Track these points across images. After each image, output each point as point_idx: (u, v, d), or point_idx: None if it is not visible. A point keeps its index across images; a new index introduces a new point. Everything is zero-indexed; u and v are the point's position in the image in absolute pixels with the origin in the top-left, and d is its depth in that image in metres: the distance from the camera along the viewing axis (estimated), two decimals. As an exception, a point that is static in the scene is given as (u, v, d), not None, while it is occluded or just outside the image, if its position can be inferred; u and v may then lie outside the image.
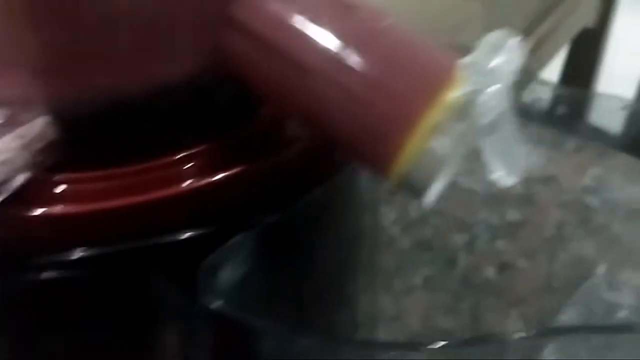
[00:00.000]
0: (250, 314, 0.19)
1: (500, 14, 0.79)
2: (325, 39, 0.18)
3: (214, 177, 0.20)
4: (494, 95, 0.18)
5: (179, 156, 0.20)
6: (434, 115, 0.18)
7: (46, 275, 0.20)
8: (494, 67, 0.18)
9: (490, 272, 0.43)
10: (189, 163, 0.21)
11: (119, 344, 0.21)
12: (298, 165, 0.22)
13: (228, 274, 0.20)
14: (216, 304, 0.19)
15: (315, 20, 0.18)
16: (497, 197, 0.45)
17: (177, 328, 0.20)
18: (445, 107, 0.18)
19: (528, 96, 0.52)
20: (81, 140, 0.20)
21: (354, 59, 0.18)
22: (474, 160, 0.49)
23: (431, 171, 0.18)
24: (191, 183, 0.20)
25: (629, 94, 0.86)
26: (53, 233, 0.19)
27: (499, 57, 0.18)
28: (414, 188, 0.19)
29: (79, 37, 0.18)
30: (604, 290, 0.35)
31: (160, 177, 0.20)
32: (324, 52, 0.18)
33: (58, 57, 0.19)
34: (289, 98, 0.19)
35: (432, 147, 0.18)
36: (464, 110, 0.18)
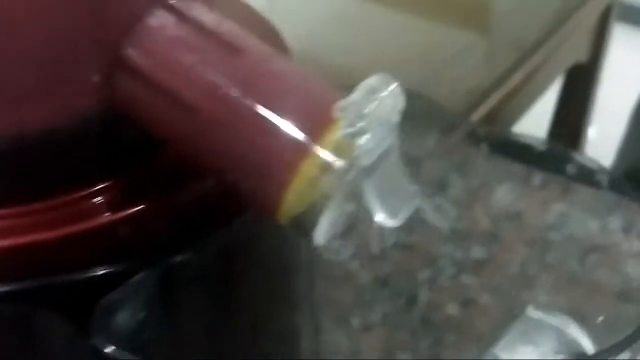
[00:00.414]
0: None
1: (496, 45, 0.79)
2: (213, 80, 0.19)
3: (120, 213, 0.21)
4: (374, 137, 0.18)
5: (78, 193, 0.21)
6: (318, 155, 0.18)
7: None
8: (374, 110, 0.18)
9: (452, 308, 0.42)
10: (95, 199, 0.21)
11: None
12: (209, 201, 0.22)
13: (126, 315, 0.20)
14: (109, 348, 0.19)
15: (203, 62, 0.19)
16: (463, 234, 0.45)
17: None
18: (328, 147, 0.18)
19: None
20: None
21: (240, 101, 0.18)
22: (440, 195, 0.49)
23: (317, 209, 0.19)
24: (97, 219, 0.21)
25: (621, 127, 0.85)
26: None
27: (379, 100, 0.18)
28: (302, 227, 0.19)
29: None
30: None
31: (58, 215, 0.20)
32: (211, 93, 0.19)
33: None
34: (179, 138, 0.19)
35: (317, 185, 0.18)
36: (345, 150, 0.18)
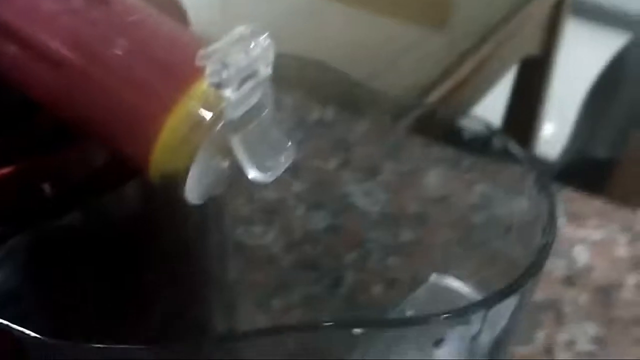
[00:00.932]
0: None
1: (450, 37, 0.80)
2: (76, 29, 0.18)
3: None
4: (241, 89, 0.17)
5: None
6: (183, 108, 0.18)
7: None
8: (240, 59, 0.17)
9: (377, 289, 0.42)
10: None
11: None
12: (91, 162, 0.21)
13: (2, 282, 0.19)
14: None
15: (66, 10, 0.18)
16: (392, 217, 0.45)
17: None
18: (196, 99, 0.18)
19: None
20: None
21: (104, 51, 0.18)
22: (370, 180, 0.48)
23: (186, 164, 0.18)
24: None
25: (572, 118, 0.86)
26: None
27: (245, 50, 0.17)
28: (172, 182, 0.18)
29: None
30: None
31: None
32: (74, 43, 0.18)
33: None
34: (45, 96, 0.19)
35: (184, 139, 0.18)
36: (214, 102, 0.18)
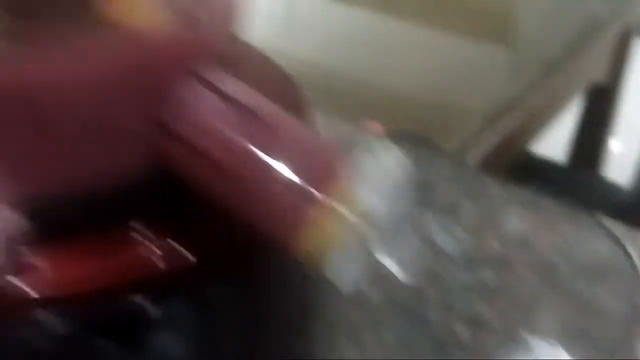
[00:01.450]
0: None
1: (518, 61, 0.81)
2: (236, 141, 0.22)
3: (156, 249, 0.24)
4: (378, 193, 0.21)
5: (125, 234, 0.24)
6: (326, 206, 0.21)
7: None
8: (382, 167, 0.21)
9: (462, 330, 0.45)
10: (136, 240, 0.24)
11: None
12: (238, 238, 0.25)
13: (167, 338, 0.23)
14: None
15: (229, 126, 0.22)
16: (473, 257, 0.48)
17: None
18: (341, 200, 0.21)
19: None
20: (46, 223, 0.23)
21: (258, 158, 0.22)
22: (450, 219, 0.51)
23: (331, 255, 0.22)
24: (134, 253, 0.24)
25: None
26: (17, 301, 0.23)
27: (385, 158, 0.21)
28: (321, 270, 0.22)
29: (38, 144, 0.22)
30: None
31: (109, 252, 0.23)
32: (236, 153, 0.22)
33: (26, 161, 0.23)
34: (210, 192, 0.23)
35: (330, 233, 0.21)
36: (357, 202, 0.21)
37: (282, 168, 0.22)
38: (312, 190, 0.21)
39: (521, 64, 0.82)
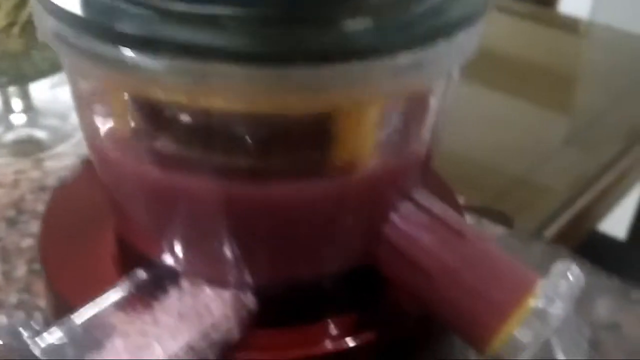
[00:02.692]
0: None
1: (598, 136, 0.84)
2: (444, 256, 0.27)
3: (348, 342, 0.29)
4: (562, 306, 0.26)
5: (330, 322, 0.29)
6: (520, 316, 0.26)
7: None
8: (562, 288, 0.26)
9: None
10: (336, 328, 0.29)
11: None
12: (411, 336, 0.30)
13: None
14: None
15: (438, 242, 0.27)
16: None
17: None
18: (527, 311, 0.26)
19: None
20: (271, 309, 0.29)
21: (462, 273, 0.27)
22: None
23: (514, 355, 0.27)
24: (332, 345, 0.29)
25: None
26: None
27: (566, 281, 0.26)
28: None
29: (281, 247, 0.28)
30: None
31: (314, 337, 0.29)
32: (443, 266, 0.27)
33: (262, 262, 0.28)
34: (417, 294, 0.28)
35: (517, 338, 0.26)
36: (541, 315, 0.26)
37: (481, 284, 0.27)
38: (505, 308, 0.26)
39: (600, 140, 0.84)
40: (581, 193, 0.78)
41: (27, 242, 0.45)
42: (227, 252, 0.27)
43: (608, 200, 0.83)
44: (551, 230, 0.75)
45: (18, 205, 0.48)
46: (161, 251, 0.29)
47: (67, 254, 0.32)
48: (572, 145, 0.83)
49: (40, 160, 0.53)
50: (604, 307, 0.54)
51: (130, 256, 0.30)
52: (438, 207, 0.29)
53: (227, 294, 0.28)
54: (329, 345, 0.29)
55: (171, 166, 0.26)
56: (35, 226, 0.46)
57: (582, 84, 0.95)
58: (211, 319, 0.28)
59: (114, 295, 0.28)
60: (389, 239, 0.28)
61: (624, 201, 0.94)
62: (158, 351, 0.26)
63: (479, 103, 0.85)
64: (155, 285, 0.29)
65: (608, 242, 0.95)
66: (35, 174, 0.52)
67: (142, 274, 0.29)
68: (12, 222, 0.47)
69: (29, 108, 0.56)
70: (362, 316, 0.30)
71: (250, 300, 0.28)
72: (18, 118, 0.57)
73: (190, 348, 0.27)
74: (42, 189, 0.50)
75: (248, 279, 0.28)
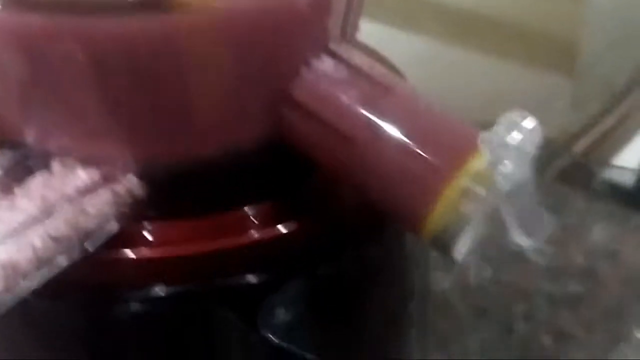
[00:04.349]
0: (303, 349, 0.23)
1: (584, 88, 0.80)
2: (367, 115, 0.22)
3: (276, 229, 0.24)
4: (512, 166, 0.20)
5: (245, 209, 0.24)
6: (461, 180, 0.21)
7: (128, 309, 0.23)
8: (513, 142, 0.20)
9: (547, 340, 0.44)
10: (255, 216, 0.24)
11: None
12: (351, 221, 0.25)
13: (284, 315, 0.23)
14: (275, 337, 0.22)
15: (359, 99, 0.22)
16: (559, 269, 0.47)
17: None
18: (470, 174, 0.21)
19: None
20: (162, 194, 0.23)
21: (394, 133, 0.21)
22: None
23: (458, 230, 0.21)
24: (255, 234, 0.24)
25: None
26: (136, 273, 0.23)
27: (517, 133, 0.20)
28: (443, 245, 0.21)
29: (160, 111, 0.22)
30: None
31: (230, 228, 0.23)
32: (365, 126, 0.22)
33: (144, 127, 0.23)
34: (336, 164, 0.22)
35: (459, 208, 0.21)
36: (486, 177, 0.21)
37: (414, 143, 0.21)
38: (446, 166, 0.21)
39: (587, 92, 0.81)
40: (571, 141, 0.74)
41: None
42: (96, 118, 0.22)
43: (610, 142, 0.78)
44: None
45: None
46: (25, 129, 0.24)
47: None
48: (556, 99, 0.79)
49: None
50: (601, 234, 0.49)
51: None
52: (362, 61, 0.23)
53: (102, 175, 0.23)
54: (229, 239, 0.23)
55: (28, 16, 0.21)
56: None
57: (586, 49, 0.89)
58: (79, 204, 0.22)
59: None
60: (296, 99, 0.22)
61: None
62: (4, 241, 0.21)
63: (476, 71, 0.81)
64: (20, 168, 0.23)
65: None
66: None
67: (3, 157, 0.24)
68: None
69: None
70: (281, 202, 0.24)
71: (133, 182, 0.23)
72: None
73: (53, 239, 0.22)
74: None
75: (127, 155, 0.23)
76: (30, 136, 0.24)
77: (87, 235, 0.22)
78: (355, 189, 0.23)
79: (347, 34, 0.25)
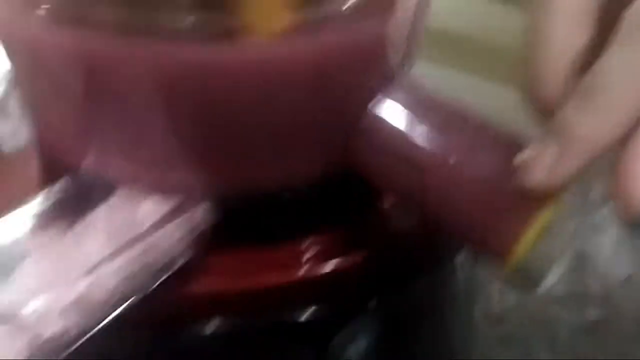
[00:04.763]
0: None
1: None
2: (438, 146, 0.22)
3: (337, 262, 0.23)
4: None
5: (307, 241, 0.23)
6: (547, 216, 0.20)
7: (194, 342, 0.22)
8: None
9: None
10: (316, 248, 0.23)
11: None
12: (408, 254, 0.24)
13: (354, 348, 0.23)
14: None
15: (431, 131, 0.22)
16: (576, 296, 0.47)
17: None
18: (556, 210, 0.20)
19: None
20: (231, 225, 0.23)
21: (474, 163, 0.21)
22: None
23: (544, 265, 0.21)
24: (316, 267, 0.23)
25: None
26: (203, 305, 0.22)
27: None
28: (528, 279, 0.21)
29: (234, 139, 0.22)
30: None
31: (290, 260, 0.23)
32: (437, 157, 0.21)
33: (216, 159, 0.22)
34: (407, 194, 0.22)
35: (544, 244, 0.21)
36: (564, 208, 0.20)
37: (498, 175, 0.21)
38: (530, 204, 0.21)
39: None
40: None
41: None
42: (167, 147, 0.21)
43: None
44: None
45: None
46: (87, 156, 0.23)
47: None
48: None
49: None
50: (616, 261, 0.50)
51: (54, 170, 0.24)
52: (429, 95, 0.23)
53: (172, 206, 0.22)
54: (301, 269, 0.23)
55: (97, 37, 0.20)
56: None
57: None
58: (150, 238, 0.21)
59: (27, 212, 0.22)
60: (367, 130, 0.22)
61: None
62: (78, 280, 0.20)
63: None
64: (81, 199, 0.22)
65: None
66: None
67: (64, 186, 0.23)
68: None
69: None
70: (346, 234, 0.24)
71: (202, 213, 0.22)
72: None
73: (122, 276, 0.21)
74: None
75: (198, 185, 0.22)
76: (91, 163, 0.23)
77: (157, 270, 0.21)
78: (428, 218, 0.22)
79: (406, 67, 0.24)
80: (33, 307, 0.19)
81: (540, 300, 0.46)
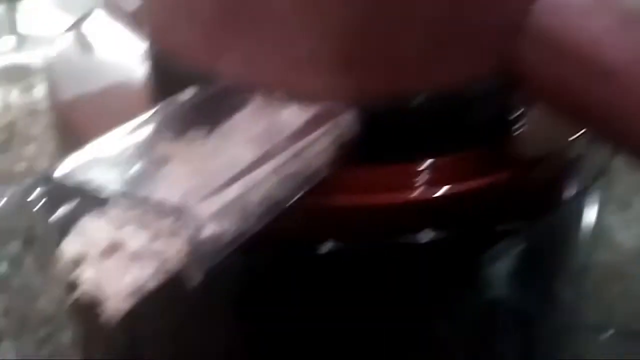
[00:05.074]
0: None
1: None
2: (633, 43, 0.19)
3: (470, 182, 0.22)
4: None
5: (446, 159, 0.22)
6: None
7: (328, 257, 0.21)
8: None
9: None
10: (456, 167, 0.22)
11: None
12: (538, 186, 0.23)
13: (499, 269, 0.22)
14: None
15: (619, 26, 0.19)
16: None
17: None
18: None
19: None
20: (369, 136, 0.21)
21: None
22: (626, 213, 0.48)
23: None
24: (457, 186, 0.22)
25: None
26: (339, 220, 0.21)
27: None
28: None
29: (384, 42, 0.20)
30: None
31: (430, 177, 0.22)
32: (632, 56, 0.19)
33: (367, 61, 0.20)
34: (587, 106, 0.20)
35: None
36: None
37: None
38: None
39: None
40: None
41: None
42: (314, 46, 0.20)
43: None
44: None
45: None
46: (223, 60, 0.21)
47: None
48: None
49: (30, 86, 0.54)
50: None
51: (176, 81, 0.22)
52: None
53: (316, 114, 0.20)
54: (440, 187, 0.21)
55: None
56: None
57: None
58: (294, 147, 0.20)
59: (148, 120, 0.20)
60: (533, 28, 0.20)
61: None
62: (231, 183, 0.18)
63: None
64: (216, 105, 0.21)
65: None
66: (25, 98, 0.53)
67: (196, 93, 0.21)
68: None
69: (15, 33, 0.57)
70: (492, 151, 0.22)
71: (348, 121, 0.21)
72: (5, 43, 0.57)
73: (273, 183, 0.19)
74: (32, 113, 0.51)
75: (343, 91, 0.20)
76: (229, 67, 0.21)
77: (303, 179, 0.20)
78: (597, 130, 0.21)
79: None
80: (190, 205, 0.17)
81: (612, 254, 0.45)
